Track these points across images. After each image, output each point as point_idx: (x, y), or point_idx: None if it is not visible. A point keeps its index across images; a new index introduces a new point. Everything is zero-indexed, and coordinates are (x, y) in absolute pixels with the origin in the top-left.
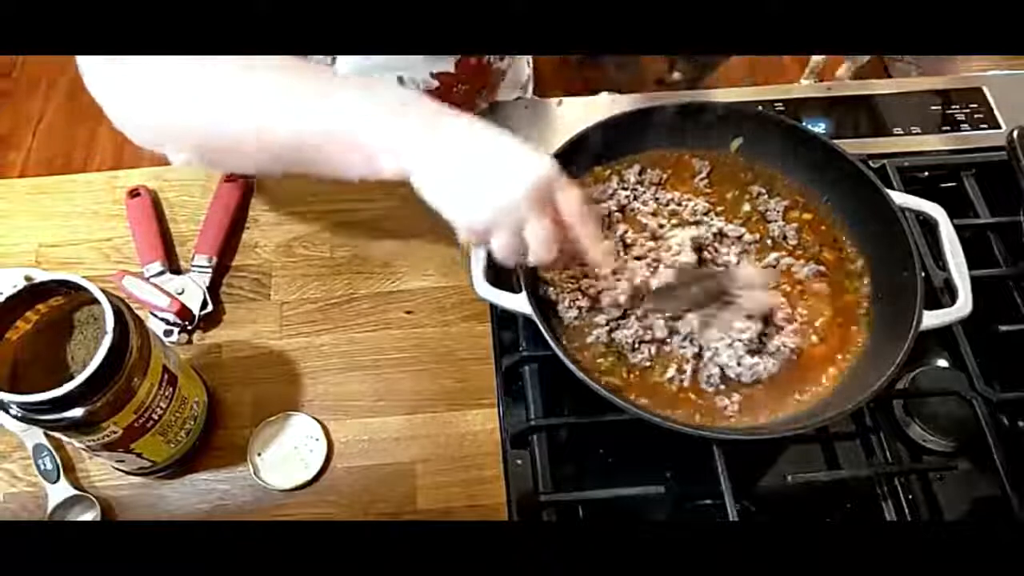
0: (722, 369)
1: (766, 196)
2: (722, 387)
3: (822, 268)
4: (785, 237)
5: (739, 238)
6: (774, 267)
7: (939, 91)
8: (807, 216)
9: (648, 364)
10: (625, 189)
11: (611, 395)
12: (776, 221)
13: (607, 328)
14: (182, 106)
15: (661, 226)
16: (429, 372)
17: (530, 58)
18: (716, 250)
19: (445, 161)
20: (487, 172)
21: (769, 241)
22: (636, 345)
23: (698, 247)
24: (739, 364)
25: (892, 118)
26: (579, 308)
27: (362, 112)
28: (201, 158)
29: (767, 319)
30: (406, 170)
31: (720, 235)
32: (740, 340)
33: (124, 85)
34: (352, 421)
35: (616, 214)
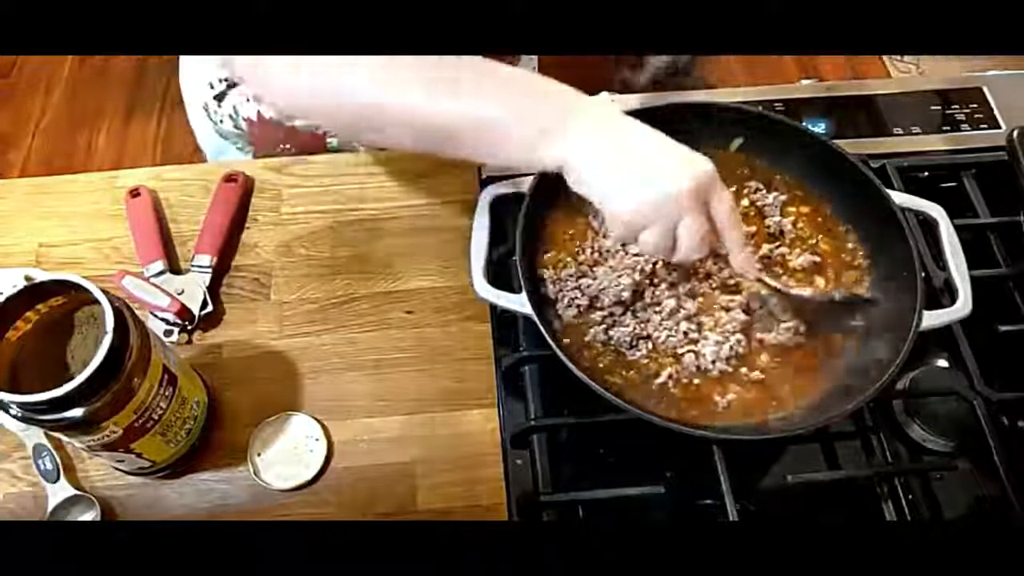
0: (718, 361)
1: (764, 192)
2: (720, 381)
3: (816, 258)
4: (782, 231)
5: None
6: (769, 258)
7: (939, 91)
8: (805, 209)
9: (646, 361)
10: None
11: (611, 395)
12: (773, 216)
13: (604, 326)
14: (336, 86)
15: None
16: (429, 372)
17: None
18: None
19: (603, 152)
20: (649, 166)
21: (766, 234)
22: (634, 342)
23: None
24: (734, 356)
25: (892, 118)
26: (578, 307)
27: (513, 102)
28: (344, 133)
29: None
30: (562, 159)
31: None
32: (732, 331)
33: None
34: (352, 421)
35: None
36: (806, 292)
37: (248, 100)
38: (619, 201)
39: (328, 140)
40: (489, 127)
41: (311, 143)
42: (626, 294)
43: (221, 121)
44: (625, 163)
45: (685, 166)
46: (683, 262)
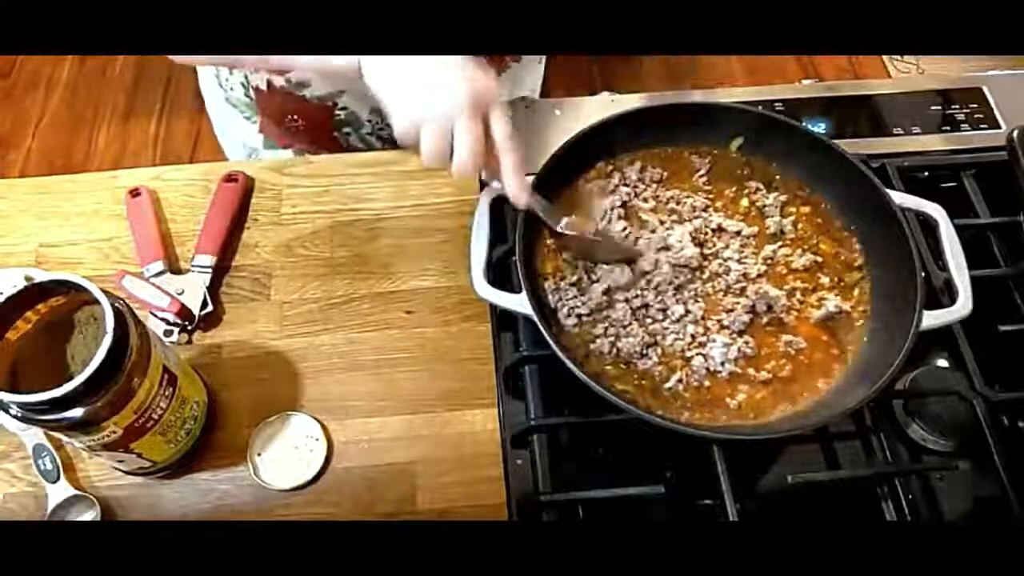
0: (727, 363)
1: (764, 191)
2: (729, 383)
3: (818, 258)
4: (783, 231)
5: (738, 232)
6: (771, 259)
7: (939, 91)
8: (805, 209)
9: (659, 368)
10: (626, 186)
11: (610, 394)
12: (773, 216)
13: (611, 338)
14: None
15: (662, 222)
16: (429, 372)
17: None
18: (715, 244)
19: (396, 58)
20: (432, 72)
21: (767, 234)
22: (644, 351)
23: (699, 243)
24: (742, 357)
25: (892, 118)
26: (578, 316)
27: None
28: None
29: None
30: (359, 60)
31: (719, 229)
32: (739, 333)
33: None
34: (352, 421)
35: (618, 210)
36: (570, 232)
37: (257, 69)
38: (401, 102)
39: (336, 112)
40: None
41: (318, 115)
42: (623, 279)
43: (232, 89)
44: (413, 69)
45: (467, 78)
46: (460, 172)
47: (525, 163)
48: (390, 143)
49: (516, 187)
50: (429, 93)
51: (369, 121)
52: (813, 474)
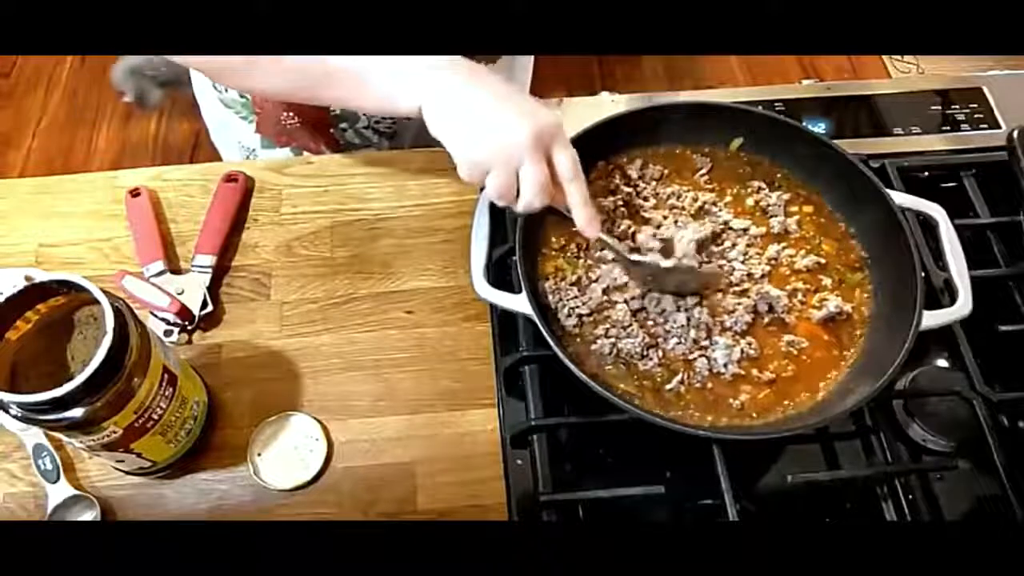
0: (730, 364)
1: (767, 190)
2: (732, 384)
3: (821, 260)
4: (787, 231)
5: (745, 231)
6: (775, 260)
7: (939, 91)
8: (807, 209)
9: (659, 369)
10: (628, 185)
11: (610, 394)
12: (777, 216)
13: (611, 340)
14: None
15: (665, 218)
16: (429, 372)
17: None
18: (722, 243)
19: (456, 97)
20: (494, 112)
21: (772, 234)
22: (644, 352)
23: (700, 246)
24: (745, 358)
25: (892, 118)
26: (579, 316)
27: (376, 57)
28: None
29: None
30: (420, 105)
31: (725, 229)
32: (741, 334)
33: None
34: (352, 421)
35: (621, 209)
36: (646, 258)
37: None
38: (466, 145)
39: (332, 109)
40: (352, 72)
41: (314, 112)
42: (623, 279)
43: (226, 90)
44: (475, 110)
45: (527, 115)
46: (527, 209)
47: (587, 192)
48: (387, 136)
49: (585, 219)
50: (493, 135)
51: (365, 115)
52: (813, 474)
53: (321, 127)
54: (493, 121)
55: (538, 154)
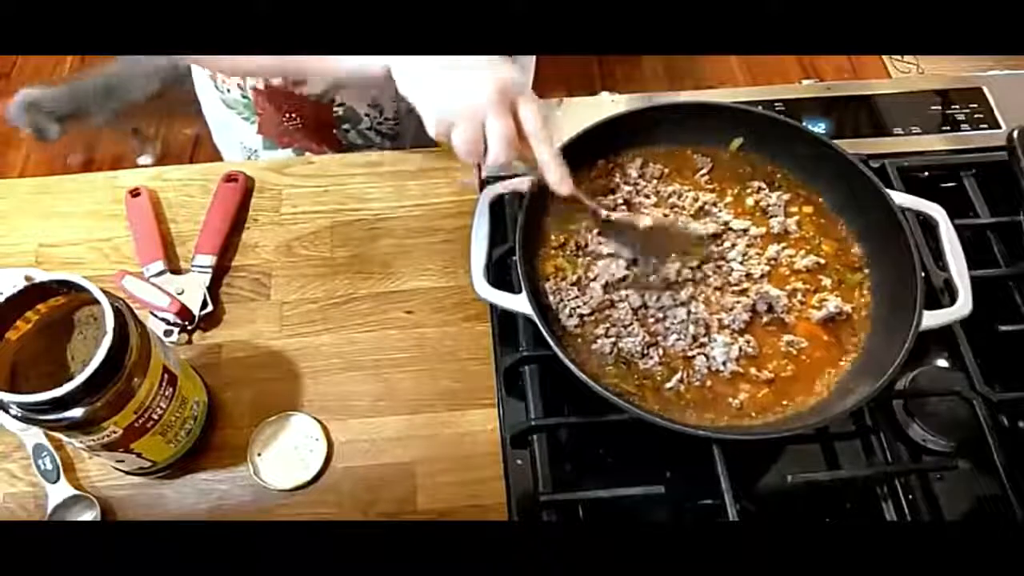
0: (729, 362)
1: (767, 190)
2: (731, 382)
3: (821, 260)
4: (787, 231)
5: (745, 231)
6: (775, 260)
7: (939, 91)
8: (807, 209)
9: (659, 368)
10: (628, 184)
11: (610, 394)
12: (777, 216)
13: (612, 339)
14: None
15: (665, 216)
16: (429, 372)
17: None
18: (722, 243)
19: (424, 61)
20: (458, 69)
21: (772, 234)
22: (645, 351)
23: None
24: (744, 356)
25: (892, 118)
26: (580, 316)
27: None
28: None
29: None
30: (389, 65)
31: (725, 229)
32: (740, 332)
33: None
34: (352, 421)
35: (621, 207)
36: (622, 216)
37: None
38: (433, 102)
39: (334, 110)
40: None
41: (317, 112)
42: (620, 272)
43: (228, 91)
44: (439, 71)
45: (491, 72)
46: (495, 163)
47: (556, 150)
48: (389, 137)
49: (556, 176)
50: (458, 92)
51: (367, 116)
52: (813, 474)
53: (323, 128)
54: (459, 78)
55: (502, 107)
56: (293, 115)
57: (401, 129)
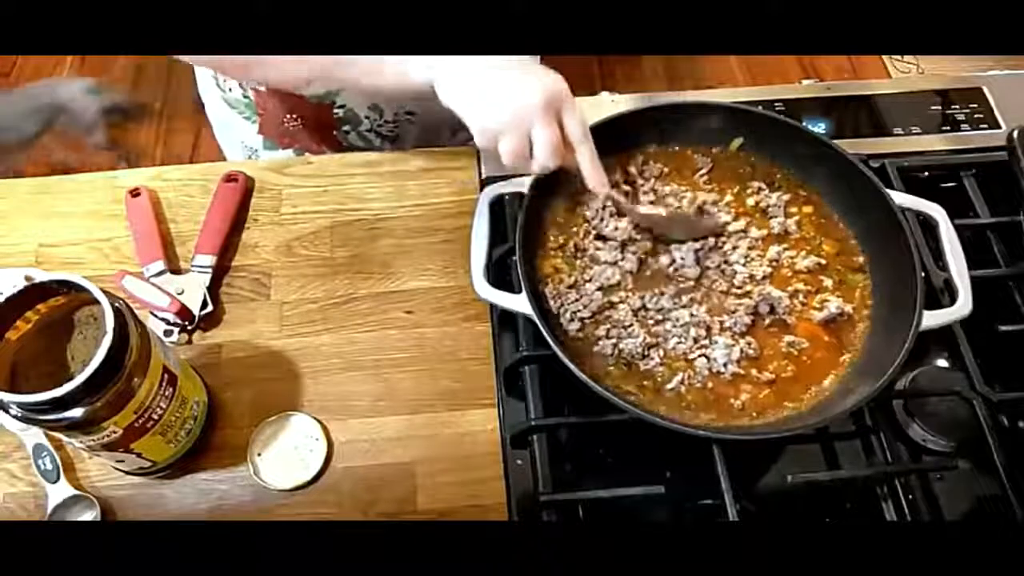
0: (730, 364)
1: (767, 191)
2: (732, 383)
3: (822, 260)
4: (787, 232)
5: (745, 232)
6: (776, 261)
7: (939, 91)
8: (807, 209)
9: (660, 369)
10: (628, 183)
11: (610, 394)
12: (777, 216)
13: (612, 340)
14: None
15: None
16: (429, 372)
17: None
18: (723, 245)
19: (468, 69)
20: (504, 80)
21: (772, 235)
22: (645, 352)
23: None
24: (745, 358)
25: (892, 118)
26: (581, 320)
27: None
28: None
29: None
30: (432, 79)
31: (725, 230)
32: (741, 334)
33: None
34: (352, 421)
35: (611, 207)
36: (658, 210)
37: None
38: (479, 112)
39: (334, 111)
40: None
41: (317, 114)
42: (616, 278)
43: (230, 90)
44: (485, 79)
45: (536, 81)
46: (541, 169)
47: (594, 151)
48: (389, 139)
49: (596, 179)
50: (505, 102)
51: (367, 118)
52: (813, 474)
53: (324, 129)
54: (504, 88)
55: (549, 116)
56: (294, 116)
57: (401, 131)
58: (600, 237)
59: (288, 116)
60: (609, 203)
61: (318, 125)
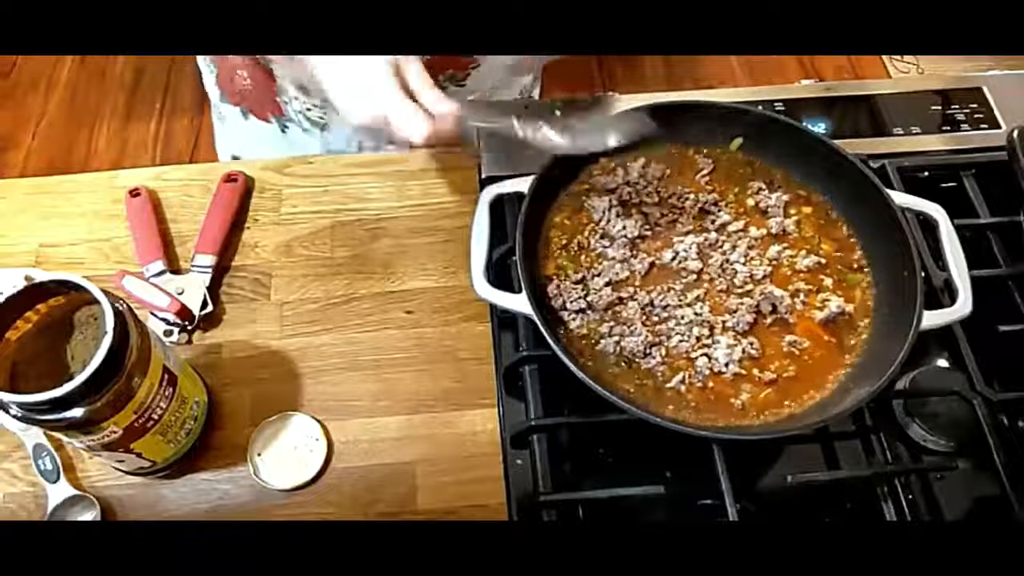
0: (731, 363)
1: (767, 191)
2: (733, 383)
3: (821, 260)
4: (786, 231)
5: (745, 232)
6: (776, 260)
7: (939, 91)
8: (807, 210)
9: (662, 368)
10: (628, 184)
11: (610, 394)
12: (777, 216)
13: (615, 338)
14: None
15: (663, 215)
16: (429, 372)
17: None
18: (723, 244)
19: (338, 75)
20: (338, 97)
21: (771, 235)
22: (647, 350)
23: (706, 250)
24: (747, 357)
25: (892, 118)
26: (586, 316)
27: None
28: None
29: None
30: (312, 66)
31: (725, 230)
32: (743, 334)
33: None
34: (352, 421)
35: (616, 208)
36: (556, 139)
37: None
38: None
39: (275, 78)
40: None
41: (263, 77)
42: (624, 273)
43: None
44: (329, 94)
45: (367, 70)
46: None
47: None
48: (319, 127)
49: (435, 106)
50: (359, 100)
51: (296, 99)
52: (813, 474)
53: (268, 95)
54: (341, 106)
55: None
56: (244, 74)
57: (329, 121)
58: (606, 236)
59: (240, 73)
60: (609, 202)
61: (263, 89)
